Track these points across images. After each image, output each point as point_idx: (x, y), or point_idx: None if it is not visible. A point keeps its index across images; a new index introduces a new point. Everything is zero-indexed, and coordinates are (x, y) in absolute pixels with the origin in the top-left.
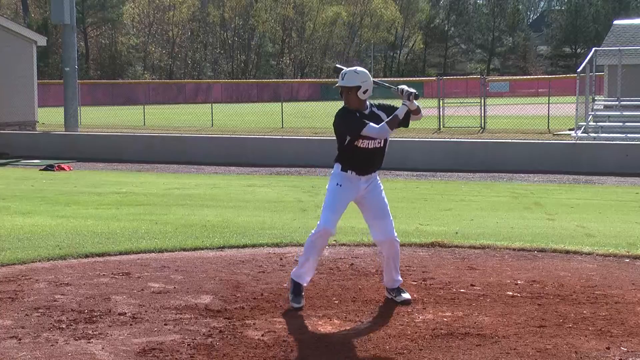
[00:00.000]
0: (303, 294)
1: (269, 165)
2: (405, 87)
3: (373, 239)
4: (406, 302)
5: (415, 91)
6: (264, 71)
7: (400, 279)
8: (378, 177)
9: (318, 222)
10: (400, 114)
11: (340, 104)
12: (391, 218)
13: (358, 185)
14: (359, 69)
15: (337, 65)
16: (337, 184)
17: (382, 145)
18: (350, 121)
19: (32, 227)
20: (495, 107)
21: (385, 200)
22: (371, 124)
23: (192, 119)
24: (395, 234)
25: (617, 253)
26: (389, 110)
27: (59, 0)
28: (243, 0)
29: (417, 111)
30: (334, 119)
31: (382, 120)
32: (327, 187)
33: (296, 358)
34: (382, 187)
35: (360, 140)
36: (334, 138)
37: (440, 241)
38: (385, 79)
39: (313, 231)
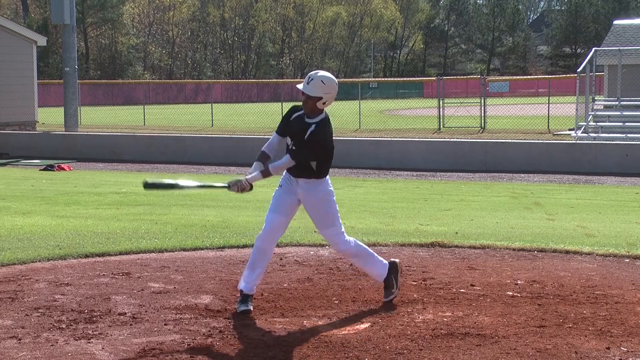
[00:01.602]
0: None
1: None
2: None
3: None
4: (388, 301)
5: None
6: (264, 71)
7: (383, 271)
8: (321, 188)
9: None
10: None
11: (341, 104)
12: (330, 230)
13: (295, 188)
14: (328, 78)
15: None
16: (279, 186)
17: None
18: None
19: (32, 227)
20: (495, 107)
21: (323, 210)
22: (286, 155)
23: (192, 119)
24: (341, 245)
25: (617, 253)
26: (300, 131)
27: (59, 0)
28: (243, 0)
29: (269, 174)
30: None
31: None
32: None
33: (296, 358)
34: (321, 197)
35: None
36: (335, 138)
37: (440, 241)
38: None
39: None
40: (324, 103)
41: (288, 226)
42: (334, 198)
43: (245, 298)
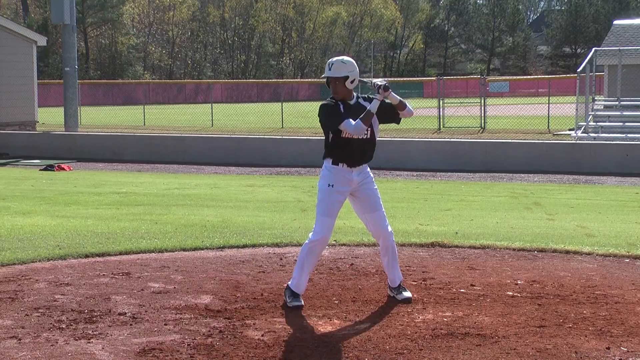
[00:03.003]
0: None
1: (269, 165)
2: (377, 80)
3: (369, 232)
4: (407, 301)
5: (384, 83)
6: (264, 71)
7: (401, 275)
8: (369, 170)
9: (314, 229)
10: (373, 108)
11: None
12: (383, 211)
13: (350, 179)
14: (346, 58)
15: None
16: (329, 185)
17: (369, 136)
18: (329, 114)
19: (32, 227)
20: (495, 107)
21: (378, 193)
22: (349, 119)
23: (192, 119)
24: (389, 227)
25: (617, 253)
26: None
27: (59, 0)
28: (243, 0)
29: (402, 105)
30: (318, 110)
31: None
32: (318, 186)
33: (296, 358)
34: (373, 180)
35: (345, 132)
36: None
37: (440, 241)
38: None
39: (311, 237)
40: (352, 82)
41: (288, 226)
42: None
43: (294, 294)
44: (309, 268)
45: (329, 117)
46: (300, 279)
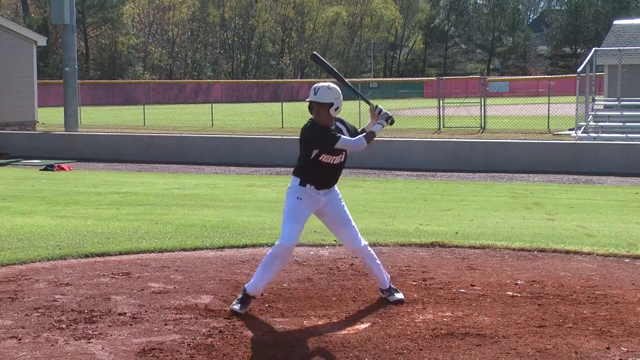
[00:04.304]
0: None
1: (269, 165)
2: (385, 110)
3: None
4: (398, 302)
5: (392, 116)
6: (264, 71)
7: (388, 275)
8: (337, 188)
9: (282, 234)
10: (377, 132)
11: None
12: (353, 224)
13: (318, 200)
14: (332, 85)
15: (316, 54)
16: (297, 197)
17: (343, 160)
18: (323, 135)
19: (32, 227)
20: (495, 107)
21: (345, 208)
22: (344, 136)
23: (192, 119)
24: (362, 241)
25: (617, 253)
26: (347, 126)
27: (59, 1)
28: (243, 0)
29: (372, 137)
30: (301, 133)
31: (344, 135)
32: (286, 197)
33: (296, 358)
34: (340, 196)
35: (325, 155)
36: None
37: (440, 241)
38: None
39: (278, 242)
40: (335, 109)
41: None
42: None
43: (245, 299)
44: (270, 273)
45: (325, 138)
46: (260, 281)
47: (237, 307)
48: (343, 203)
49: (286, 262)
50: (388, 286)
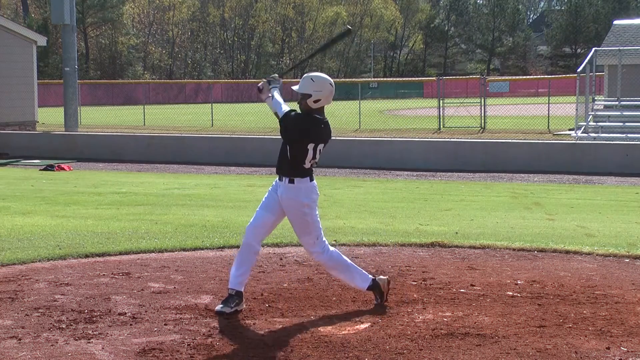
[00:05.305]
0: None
1: (269, 165)
2: (270, 77)
3: None
4: (378, 297)
5: (272, 77)
6: (264, 71)
7: (365, 276)
8: (292, 198)
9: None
10: (269, 102)
11: (341, 104)
12: (307, 238)
13: (276, 188)
14: (319, 76)
15: (349, 27)
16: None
17: (284, 145)
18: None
19: (32, 227)
20: (495, 107)
21: (298, 223)
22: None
23: (192, 119)
24: (319, 256)
25: (617, 253)
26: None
27: (59, 1)
28: (243, 0)
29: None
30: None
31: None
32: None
33: (296, 358)
34: (296, 210)
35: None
36: (335, 138)
37: (440, 241)
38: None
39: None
40: (315, 101)
41: (288, 226)
42: (315, 205)
43: (228, 298)
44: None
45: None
46: (236, 274)
47: (220, 307)
48: (297, 217)
49: (256, 250)
50: (368, 284)
